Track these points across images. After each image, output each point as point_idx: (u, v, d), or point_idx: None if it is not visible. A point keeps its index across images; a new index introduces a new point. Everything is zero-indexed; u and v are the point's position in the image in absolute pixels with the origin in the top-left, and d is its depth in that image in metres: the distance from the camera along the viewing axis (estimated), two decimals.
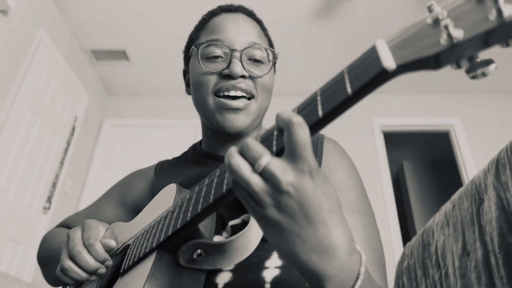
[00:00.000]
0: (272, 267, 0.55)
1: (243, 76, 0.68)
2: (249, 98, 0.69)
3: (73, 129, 3.23)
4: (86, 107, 3.43)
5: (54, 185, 2.96)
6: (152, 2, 2.81)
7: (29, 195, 2.67)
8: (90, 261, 0.55)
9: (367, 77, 0.31)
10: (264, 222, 0.35)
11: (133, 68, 3.50)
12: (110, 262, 0.56)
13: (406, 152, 5.03)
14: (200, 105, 0.72)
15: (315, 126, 0.34)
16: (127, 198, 0.82)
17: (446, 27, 0.27)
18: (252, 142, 0.35)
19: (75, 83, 3.23)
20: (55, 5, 2.87)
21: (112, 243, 0.57)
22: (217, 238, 0.59)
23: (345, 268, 0.34)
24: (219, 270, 0.54)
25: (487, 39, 0.27)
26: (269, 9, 2.84)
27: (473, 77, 0.30)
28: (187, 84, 0.81)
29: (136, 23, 2.99)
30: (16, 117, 2.51)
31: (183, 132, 3.59)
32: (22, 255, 2.60)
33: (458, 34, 0.27)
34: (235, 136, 0.72)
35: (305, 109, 0.36)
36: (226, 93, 0.67)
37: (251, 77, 0.69)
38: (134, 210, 0.80)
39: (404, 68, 0.30)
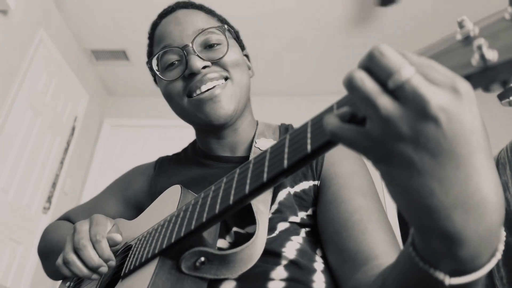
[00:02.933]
0: (278, 279, 0.53)
1: (205, 67, 0.66)
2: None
3: (73, 129, 3.23)
4: (86, 107, 3.43)
5: (54, 185, 2.96)
6: (152, 2, 2.81)
7: (29, 195, 2.66)
8: (94, 257, 0.54)
9: None
10: (387, 164, 0.26)
11: (133, 68, 3.50)
12: (113, 263, 0.55)
13: None
14: (180, 113, 0.71)
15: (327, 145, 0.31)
16: (129, 194, 0.81)
17: (479, 47, 0.25)
18: (387, 49, 0.25)
19: (75, 83, 3.23)
20: (55, 5, 2.87)
21: (118, 237, 0.57)
22: (220, 243, 0.58)
23: (489, 236, 0.25)
24: (223, 279, 0.53)
25: None
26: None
27: (509, 104, 0.27)
28: None
29: (136, 23, 2.99)
30: (16, 117, 2.50)
31: (183, 132, 3.59)
32: (22, 255, 2.59)
33: (492, 56, 0.24)
34: (225, 129, 0.71)
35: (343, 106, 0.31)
36: (198, 92, 0.65)
37: (215, 63, 0.67)
38: (135, 206, 0.80)
39: None
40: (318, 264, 0.58)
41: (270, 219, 0.59)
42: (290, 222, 0.60)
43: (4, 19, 2.35)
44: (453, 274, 0.27)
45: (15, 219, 2.53)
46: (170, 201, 0.59)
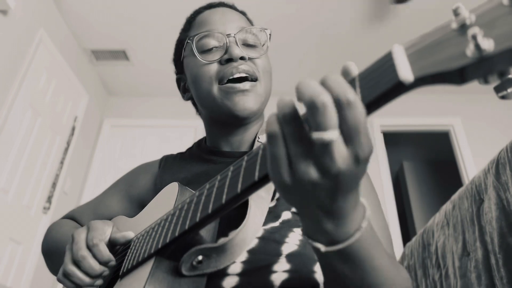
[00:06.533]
0: (280, 271, 0.53)
1: (242, 59, 0.69)
2: (253, 81, 0.70)
3: (73, 129, 3.23)
4: (86, 107, 3.43)
5: (54, 185, 2.96)
6: (152, 2, 2.81)
7: (29, 195, 2.67)
8: (95, 267, 0.53)
9: (380, 89, 0.27)
10: (291, 193, 0.33)
11: (133, 68, 3.50)
12: (113, 263, 0.55)
13: (406, 152, 5.02)
14: (204, 98, 0.71)
15: None
16: (133, 191, 0.81)
17: (474, 36, 0.23)
18: (327, 103, 0.28)
19: (75, 83, 3.23)
20: (55, 5, 2.87)
21: (130, 234, 0.57)
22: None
23: (347, 222, 0.35)
24: (225, 274, 0.53)
25: None
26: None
27: (503, 97, 0.26)
28: (183, 91, 0.82)
29: (136, 23, 2.99)
30: (16, 117, 2.51)
31: (183, 132, 3.59)
32: (22, 255, 2.60)
33: (488, 45, 0.23)
34: (240, 126, 0.72)
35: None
36: (230, 77, 0.67)
37: (250, 60, 0.70)
38: (139, 203, 0.80)
39: (422, 81, 0.26)
40: None
41: (275, 206, 0.60)
42: (293, 213, 0.61)
43: (4, 19, 2.35)
44: (328, 244, 0.36)
45: (15, 219, 2.53)
46: (167, 198, 0.59)
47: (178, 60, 0.80)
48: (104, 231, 0.58)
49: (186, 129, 3.60)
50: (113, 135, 3.71)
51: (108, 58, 3.39)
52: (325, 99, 0.28)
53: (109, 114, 3.82)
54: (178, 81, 0.84)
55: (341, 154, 0.29)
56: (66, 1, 2.84)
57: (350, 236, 0.35)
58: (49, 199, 2.90)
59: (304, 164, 0.30)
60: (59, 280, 0.56)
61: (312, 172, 0.30)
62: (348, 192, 0.32)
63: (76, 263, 0.54)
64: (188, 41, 0.72)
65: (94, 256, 0.55)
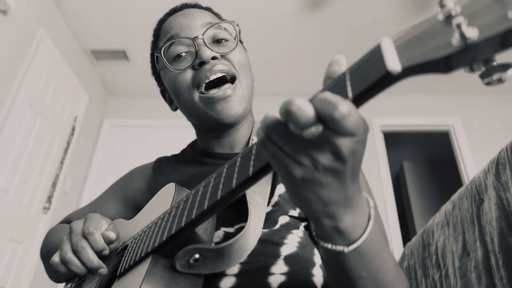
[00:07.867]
0: (278, 273, 0.53)
1: (215, 59, 0.67)
2: (232, 81, 0.68)
3: (73, 129, 3.23)
4: (86, 107, 3.43)
5: (54, 185, 2.96)
6: (152, 2, 2.81)
7: (29, 195, 2.66)
8: (93, 259, 0.54)
9: (369, 80, 0.28)
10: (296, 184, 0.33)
11: (133, 68, 3.50)
12: (107, 251, 0.55)
13: (406, 152, 5.02)
14: (188, 108, 0.70)
15: None
16: (129, 194, 0.82)
17: (458, 25, 0.24)
18: (303, 104, 0.29)
19: (75, 83, 3.23)
20: (55, 5, 2.87)
21: (112, 235, 0.57)
22: (218, 234, 0.58)
23: (358, 213, 0.35)
24: (223, 275, 0.53)
25: (506, 40, 0.23)
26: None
27: (488, 83, 0.26)
28: (169, 102, 0.81)
29: (136, 23, 2.99)
30: (16, 117, 2.51)
31: (183, 132, 3.59)
32: (22, 255, 2.60)
33: (472, 34, 0.23)
34: (229, 127, 0.71)
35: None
36: (207, 81, 0.66)
37: (223, 57, 0.68)
38: (135, 206, 0.80)
39: (410, 71, 0.27)
40: (317, 257, 0.58)
41: (271, 212, 0.59)
42: (290, 216, 0.61)
43: (4, 19, 2.35)
44: (349, 244, 0.36)
45: (15, 219, 2.53)
46: (165, 199, 0.59)
47: (156, 73, 0.79)
48: (100, 222, 0.58)
49: (186, 129, 3.59)
50: (113, 135, 3.71)
51: (108, 58, 3.39)
52: (297, 101, 0.28)
53: (109, 114, 3.82)
54: (163, 93, 0.83)
55: (343, 142, 0.30)
56: (66, 1, 2.84)
57: (366, 227, 0.36)
58: (49, 199, 2.90)
59: (309, 155, 0.31)
60: (53, 263, 0.56)
61: (323, 159, 0.31)
62: (355, 175, 0.33)
63: (76, 254, 0.55)
64: (157, 54, 0.71)
65: (90, 244, 0.55)
